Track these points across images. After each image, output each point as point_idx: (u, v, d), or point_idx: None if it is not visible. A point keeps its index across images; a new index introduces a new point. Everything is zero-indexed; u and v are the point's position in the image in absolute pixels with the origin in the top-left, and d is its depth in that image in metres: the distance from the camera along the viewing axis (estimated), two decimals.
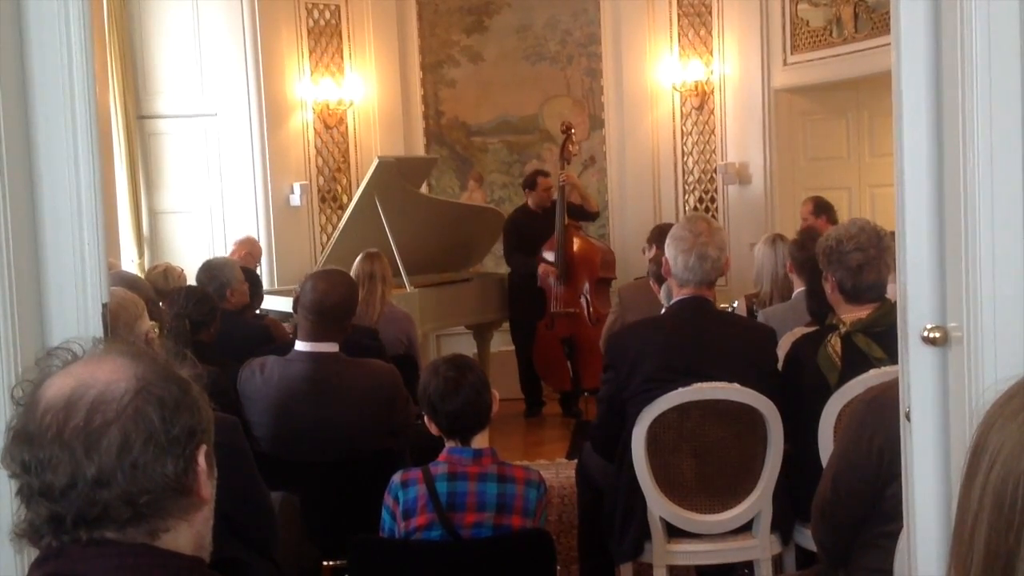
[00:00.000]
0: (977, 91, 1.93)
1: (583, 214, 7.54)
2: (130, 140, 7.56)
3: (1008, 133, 1.92)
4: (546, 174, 7.50)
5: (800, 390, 3.43)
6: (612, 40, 8.38)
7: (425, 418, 2.95)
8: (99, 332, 2.23)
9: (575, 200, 7.49)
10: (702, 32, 8.26)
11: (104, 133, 6.72)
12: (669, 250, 3.56)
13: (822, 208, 6.69)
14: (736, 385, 3.32)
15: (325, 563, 3.50)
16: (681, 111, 8.35)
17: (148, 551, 1.34)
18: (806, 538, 3.38)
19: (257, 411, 3.63)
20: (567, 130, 7.47)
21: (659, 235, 5.46)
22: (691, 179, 8.40)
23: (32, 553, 1.38)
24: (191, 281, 5.33)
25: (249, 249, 7.04)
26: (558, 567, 2.98)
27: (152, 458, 1.33)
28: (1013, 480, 1.05)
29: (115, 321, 2.62)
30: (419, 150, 8.42)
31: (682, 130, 8.37)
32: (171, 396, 1.37)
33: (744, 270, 6.56)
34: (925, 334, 2.13)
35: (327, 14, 8.09)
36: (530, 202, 7.48)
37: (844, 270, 3.39)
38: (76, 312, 2.26)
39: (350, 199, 7.56)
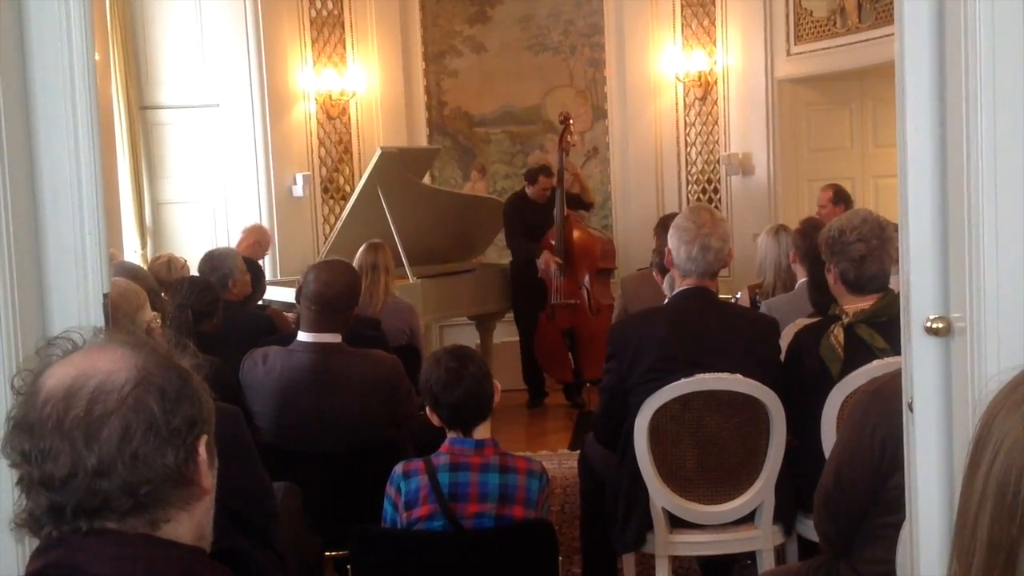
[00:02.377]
0: (981, 81, 1.92)
1: (580, 203, 7.53)
2: (133, 130, 7.57)
3: (1012, 123, 1.91)
4: (549, 174, 7.42)
5: (803, 381, 3.43)
6: (615, 30, 8.36)
7: (427, 409, 2.95)
8: (100, 322, 2.23)
9: (574, 190, 7.49)
10: (705, 22, 8.23)
11: (106, 123, 6.72)
12: (672, 240, 3.55)
13: (841, 197, 6.64)
14: (739, 376, 3.31)
15: (327, 553, 3.50)
16: (684, 101, 8.34)
17: (148, 541, 1.33)
18: (809, 529, 3.38)
19: (259, 401, 3.64)
20: (565, 120, 7.45)
21: (665, 226, 5.45)
22: (694, 170, 8.39)
23: (32, 543, 1.38)
24: (194, 271, 5.33)
25: (257, 238, 6.92)
26: (560, 558, 2.98)
27: (153, 448, 1.32)
28: (1016, 471, 1.04)
29: (116, 311, 2.62)
30: (422, 141, 8.41)
31: (685, 120, 8.35)
32: (172, 386, 1.36)
33: (747, 261, 6.55)
34: (928, 324, 2.12)
35: (329, 4, 8.08)
36: (529, 192, 7.46)
37: (847, 261, 3.39)
38: (77, 302, 2.25)
39: (353, 190, 7.55)
